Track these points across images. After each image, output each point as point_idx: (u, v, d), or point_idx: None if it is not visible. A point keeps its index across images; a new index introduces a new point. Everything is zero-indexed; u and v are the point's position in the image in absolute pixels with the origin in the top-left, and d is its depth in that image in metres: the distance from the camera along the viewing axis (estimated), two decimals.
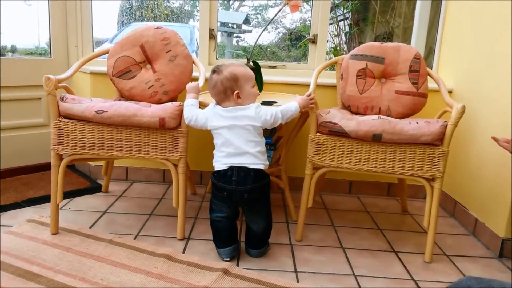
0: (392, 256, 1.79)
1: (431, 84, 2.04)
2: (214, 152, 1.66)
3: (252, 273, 1.57)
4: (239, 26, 4.80)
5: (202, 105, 1.89)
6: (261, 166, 1.59)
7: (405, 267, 1.70)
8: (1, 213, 1.97)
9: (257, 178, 1.57)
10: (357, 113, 1.97)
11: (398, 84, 1.95)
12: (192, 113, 1.66)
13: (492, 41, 1.99)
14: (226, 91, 1.58)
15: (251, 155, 1.57)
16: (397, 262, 1.74)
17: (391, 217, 2.22)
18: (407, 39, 3.42)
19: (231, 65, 1.61)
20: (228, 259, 1.66)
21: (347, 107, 2.02)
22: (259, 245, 1.70)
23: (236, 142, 1.58)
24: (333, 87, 2.30)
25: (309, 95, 1.71)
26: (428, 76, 1.98)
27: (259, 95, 1.76)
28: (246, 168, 1.56)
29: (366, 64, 1.97)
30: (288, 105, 1.66)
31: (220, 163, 1.61)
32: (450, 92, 2.31)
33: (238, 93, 1.57)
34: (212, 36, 2.46)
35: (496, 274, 1.69)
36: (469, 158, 2.14)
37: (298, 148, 2.39)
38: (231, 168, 1.57)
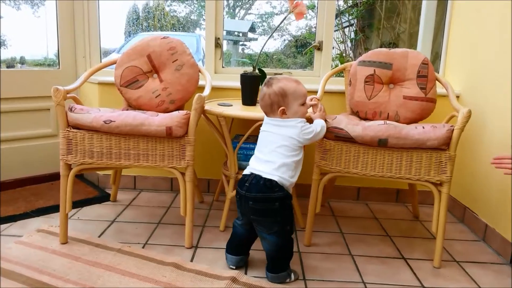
0: (401, 263, 1.77)
1: (440, 89, 2.03)
2: None
3: (260, 281, 1.56)
4: (244, 34, 4.83)
5: (208, 113, 1.90)
6: (274, 178, 1.51)
7: (414, 273, 1.69)
8: (11, 223, 1.99)
9: (265, 189, 1.51)
10: (365, 119, 1.97)
11: (406, 89, 1.94)
12: None
13: (498, 45, 1.98)
14: (273, 106, 1.55)
15: (272, 165, 1.52)
16: (406, 269, 1.72)
17: (400, 223, 2.20)
18: (413, 45, 3.43)
19: (284, 79, 1.57)
20: (234, 267, 1.66)
21: (355, 113, 2.03)
22: (273, 269, 1.58)
23: (265, 149, 1.57)
24: (341, 93, 2.30)
25: (320, 107, 1.71)
26: (437, 81, 1.98)
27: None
28: (260, 176, 1.53)
29: (374, 70, 1.97)
30: (321, 124, 1.65)
31: (248, 168, 1.60)
32: (457, 96, 2.30)
33: (284, 109, 1.54)
34: (218, 44, 2.48)
35: (507, 281, 1.67)
36: (477, 162, 2.12)
37: (305, 154, 2.38)
38: (251, 174, 1.56)
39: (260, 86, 2.09)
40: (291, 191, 1.59)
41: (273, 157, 1.54)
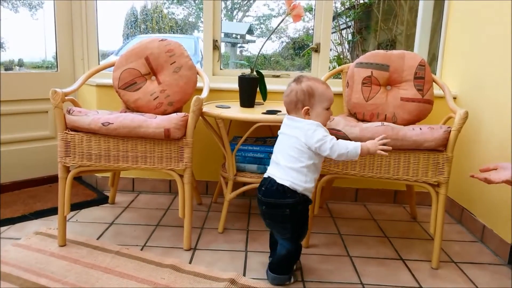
0: (399, 264, 1.78)
1: (437, 91, 2.04)
2: None
3: (259, 283, 1.56)
4: (242, 36, 4.84)
5: (206, 115, 1.90)
6: (286, 183, 1.47)
7: (412, 274, 1.69)
8: (10, 225, 1.98)
9: (277, 194, 1.49)
10: (363, 120, 1.98)
11: (404, 91, 1.95)
12: None
13: (495, 47, 1.99)
14: (297, 103, 1.50)
15: (283, 169, 1.49)
16: (404, 270, 1.73)
17: (398, 224, 2.21)
18: (410, 46, 3.44)
19: (314, 79, 1.52)
20: None
21: (353, 115, 2.03)
22: (274, 269, 1.58)
23: (278, 151, 1.54)
24: (338, 95, 2.30)
25: (382, 142, 1.49)
26: (434, 83, 1.99)
27: (331, 120, 1.67)
28: (274, 180, 1.50)
29: (371, 71, 1.98)
30: (348, 142, 1.47)
31: (267, 171, 1.58)
32: (454, 98, 2.31)
33: (308, 109, 1.49)
34: (216, 47, 2.48)
35: (505, 281, 1.67)
36: (475, 163, 2.13)
37: None
38: (267, 178, 1.54)
39: (257, 88, 2.11)
40: (310, 195, 1.54)
41: (282, 159, 1.51)
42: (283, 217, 1.51)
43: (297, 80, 1.53)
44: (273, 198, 1.50)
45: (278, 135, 1.59)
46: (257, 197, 1.57)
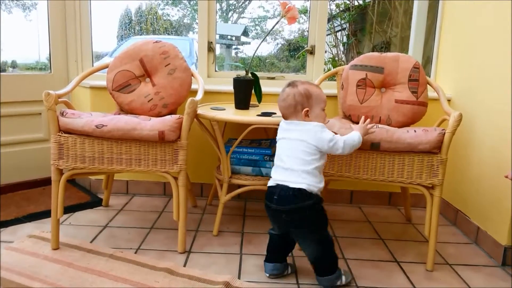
0: (394, 266, 1.78)
1: (431, 93, 2.05)
2: None
3: (253, 286, 1.56)
4: (237, 38, 4.83)
5: (201, 117, 1.90)
6: (302, 186, 1.47)
7: (407, 277, 1.69)
8: (2, 229, 1.97)
9: (295, 199, 1.47)
10: (358, 123, 1.97)
11: (398, 93, 1.96)
12: None
13: (489, 50, 2.00)
14: (297, 106, 1.52)
15: (295, 173, 1.48)
16: (399, 272, 1.73)
17: (393, 226, 2.21)
18: (404, 49, 3.45)
19: (307, 83, 1.56)
20: (267, 274, 1.64)
21: (348, 117, 2.03)
22: (321, 272, 1.57)
23: (284, 156, 1.53)
24: (333, 97, 2.30)
25: (367, 123, 1.63)
26: (428, 85, 1.99)
27: (327, 122, 1.66)
28: (287, 186, 1.48)
29: (366, 74, 1.98)
30: (351, 135, 1.55)
31: (272, 180, 1.56)
32: (448, 100, 2.32)
33: (307, 111, 1.51)
34: (210, 48, 2.48)
35: (499, 283, 1.68)
36: (469, 166, 2.14)
37: None
38: (277, 186, 1.52)
39: (252, 90, 2.11)
40: (320, 195, 1.55)
41: (293, 164, 1.50)
42: (306, 220, 1.51)
43: (292, 84, 1.55)
44: (292, 203, 1.48)
45: (277, 141, 1.58)
46: (269, 207, 1.54)
